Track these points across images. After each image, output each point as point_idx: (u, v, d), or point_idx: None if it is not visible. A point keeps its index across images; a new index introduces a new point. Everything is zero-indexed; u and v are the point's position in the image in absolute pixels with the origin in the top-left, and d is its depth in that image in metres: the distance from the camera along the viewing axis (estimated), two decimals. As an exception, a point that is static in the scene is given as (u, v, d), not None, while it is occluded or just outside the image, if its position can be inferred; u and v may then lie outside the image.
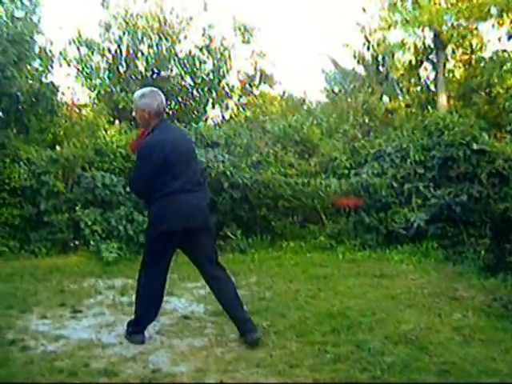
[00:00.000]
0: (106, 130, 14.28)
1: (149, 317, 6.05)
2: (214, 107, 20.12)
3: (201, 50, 19.69)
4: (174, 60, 19.21)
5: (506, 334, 6.05)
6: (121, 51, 18.83)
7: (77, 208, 11.41)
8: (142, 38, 19.02)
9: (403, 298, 7.62)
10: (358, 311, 6.85)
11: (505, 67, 19.33)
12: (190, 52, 19.52)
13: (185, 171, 5.83)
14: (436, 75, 20.45)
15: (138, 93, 6.10)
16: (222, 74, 19.89)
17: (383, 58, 21.76)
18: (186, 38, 19.90)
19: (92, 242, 11.03)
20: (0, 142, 11.76)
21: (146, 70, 19.00)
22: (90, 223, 11.15)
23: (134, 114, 6.11)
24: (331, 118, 15.94)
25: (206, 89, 19.68)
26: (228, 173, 11.78)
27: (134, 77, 18.23)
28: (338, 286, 8.28)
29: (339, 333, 5.99)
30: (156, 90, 6.13)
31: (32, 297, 7.88)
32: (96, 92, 18.76)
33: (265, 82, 21.19)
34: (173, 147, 5.78)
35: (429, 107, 19.29)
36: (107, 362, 5.29)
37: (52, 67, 13.93)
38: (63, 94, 15.21)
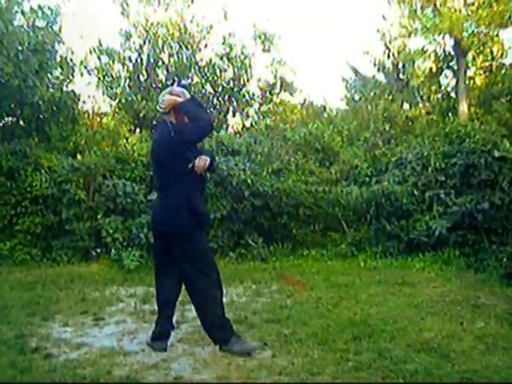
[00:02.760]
0: (126, 139, 14.28)
1: (167, 323, 6.08)
2: (234, 115, 20.09)
3: (221, 58, 19.69)
4: (195, 68, 19.23)
5: (528, 342, 6.01)
6: (141, 60, 18.88)
7: (98, 216, 11.49)
8: (163, 46, 19.06)
9: (425, 305, 7.59)
10: (379, 319, 6.84)
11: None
12: (210, 60, 19.52)
13: (155, 177, 6.17)
14: (456, 82, 20.34)
15: None
16: (242, 82, 19.88)
17: (403, 66, 21.67)
18: (206, 46, 19.91)
19: (113, 250, 11.12)
20: (22, 151, 11.85)
21: (166, 78, 19.03)
22: (111, 231, 11.21)
23: None
24: (352, 125, 15.89)
25: (226, 97, 19.71)
26: (249, 181, 11.80)
27: (154, 85, 18.26)
28: (360, 294, 8.27)
29: (361, 341, 5.98)
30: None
31: (54, 304, 7.94)
32: (117, 101, 18.83)
33: (285, 90, 21.14)
34: (150, 154, 5.95)
35: (450, 115, 19.22)
36: (129, 369, 5.31)
37: (73, 76, 13.95)
38: (84, 102, 15.31)
